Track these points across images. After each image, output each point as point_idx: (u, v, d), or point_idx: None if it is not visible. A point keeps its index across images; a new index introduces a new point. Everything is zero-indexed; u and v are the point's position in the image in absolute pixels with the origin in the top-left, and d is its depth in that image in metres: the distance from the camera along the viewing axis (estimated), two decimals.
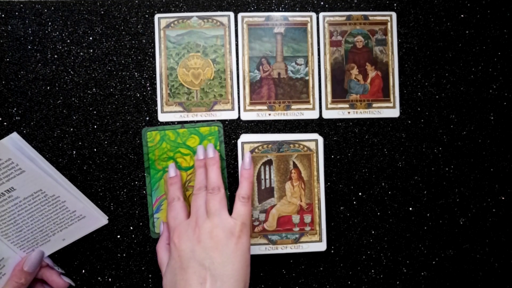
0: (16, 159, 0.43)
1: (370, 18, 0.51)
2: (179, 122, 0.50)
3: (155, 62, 0.50)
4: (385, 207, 0.51)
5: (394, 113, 0.51)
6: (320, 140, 0.50)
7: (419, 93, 0.52)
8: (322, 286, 0.50)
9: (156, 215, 0.49)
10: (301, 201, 0.49)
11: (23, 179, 0.43)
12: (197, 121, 0.50)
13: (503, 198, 0.52)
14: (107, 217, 0.48)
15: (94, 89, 0.50)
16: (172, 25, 0.50)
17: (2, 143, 0.42)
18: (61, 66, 0.49)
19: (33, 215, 0.45)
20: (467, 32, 0.52)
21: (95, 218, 0.47)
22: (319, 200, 0.49)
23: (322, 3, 0.51)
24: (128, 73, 0.50)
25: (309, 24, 0.51)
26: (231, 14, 0.50)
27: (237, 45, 0.50)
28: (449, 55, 0.52)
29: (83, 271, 0.49)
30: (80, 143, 0.49)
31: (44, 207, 0.45)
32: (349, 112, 0.51)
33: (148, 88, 0.50)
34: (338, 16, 0.51)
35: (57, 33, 0.49)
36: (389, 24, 0.52)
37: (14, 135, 0.44)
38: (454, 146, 0.52)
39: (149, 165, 0.49)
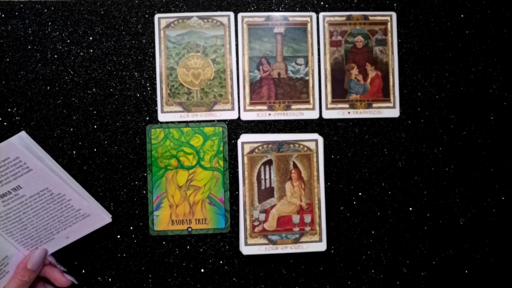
0: (24, 157, 0.43)
1: (370, 18, 0.51)
2: (180, 122, 0.50)
3: (155, 62, 0.50)
4: (385, 207, 0.51)
5: (394, 113, 0.51)
6: (320, 140, 0.50)
7: (419, 93, 0.52)
8: (322, 286, 0.50)
9: (156, 213, 0.49)
10: (301, 201, 0.49)
11: (30, 178, 0.43)
12: (198, 121, 0.50)
13: (503, 198, 0.52)
14: (111, 216, 0.49)
15: (94, 89, 0.50)
16: (172, 25, 0.50)
17: (11, 141, 0.42)
18: (61, 66, 0.49)
19: (38, 214, 0.45)
20: (467, 32, 0.52)
21: (99, 217, 0.47)
22: (319, 200, 0.49)
23: (322, 3, 0.51)
24: (128, 73, 0.50)
25: (309, 24, 0.51)
26: (231, 14, 0.50)
27: (237, 45, 0.50)
28: (449, 55, 0.52)
29: (83, 271, 0.49)
30: (80, 143, 0.49)
31: (49, 206, 0.45)
32: (349, 112, 0.51)
33: (148, 88, 0.50)
34: (338, 16, 0.51)
35: (57, 33, 0.49)
36: (389, 24, 0.51)
37: (23, 134, 0.44)
38: (454, 146, 0.52)
39: (151, 162, 0.49)
